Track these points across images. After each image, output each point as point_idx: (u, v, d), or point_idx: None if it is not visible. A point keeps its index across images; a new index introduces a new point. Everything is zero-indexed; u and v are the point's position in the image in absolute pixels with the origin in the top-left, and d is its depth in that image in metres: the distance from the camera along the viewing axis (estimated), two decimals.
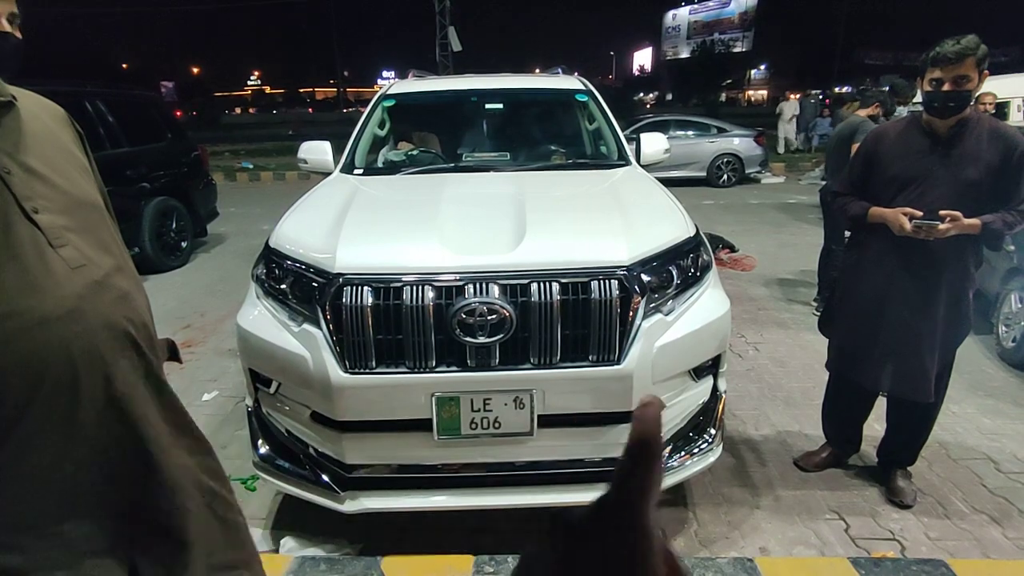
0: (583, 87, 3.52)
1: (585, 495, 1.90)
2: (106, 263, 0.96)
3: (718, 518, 2.25)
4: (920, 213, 1.99)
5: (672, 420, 1.99)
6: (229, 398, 3.23)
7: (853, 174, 2.26)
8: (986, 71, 1.95)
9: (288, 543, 2.10)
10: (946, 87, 1.94)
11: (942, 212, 1.94)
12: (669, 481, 1.97)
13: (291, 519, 2.24)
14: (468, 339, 1.75)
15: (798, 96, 16.40)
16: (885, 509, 2.29)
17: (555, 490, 1.91)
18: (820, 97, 16.90)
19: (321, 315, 1.81)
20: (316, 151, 3.05)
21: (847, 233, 2.73)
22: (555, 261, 1.82)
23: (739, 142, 10.77)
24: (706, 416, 2.08)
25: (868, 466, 2.54)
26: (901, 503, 2.29)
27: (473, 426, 1.79)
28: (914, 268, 2.10)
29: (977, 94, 1.99)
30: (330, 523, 2.16)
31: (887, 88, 4.33)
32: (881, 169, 2.15)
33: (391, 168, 3.13)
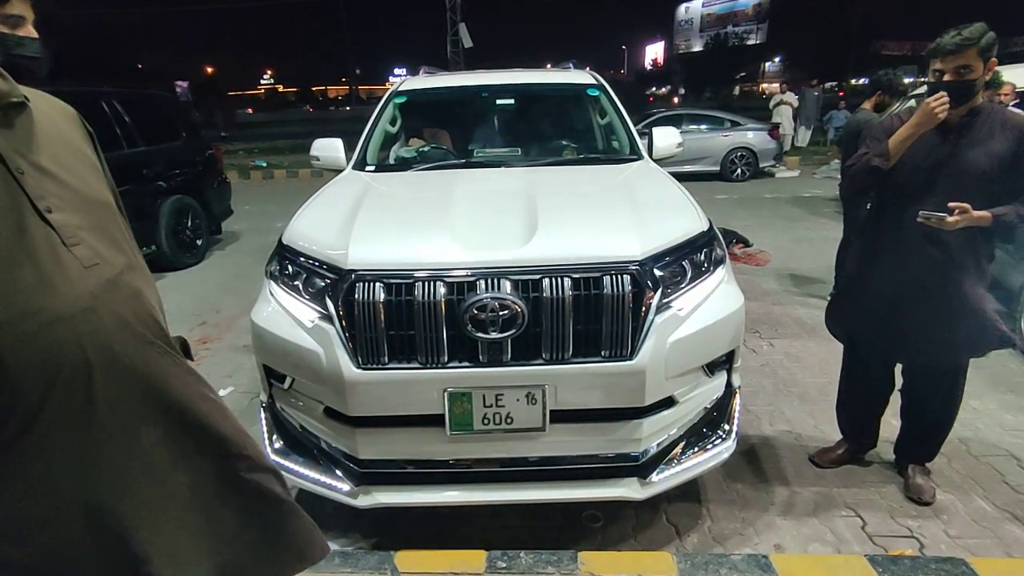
0: (594, 81, 3.50)
1: (598, 490, 1.90)
2: (119, 261, 0.97)
3: (732, 515, 2.23)
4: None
5: (686, 415, 1.97)
6: (244, 393, 3.27)
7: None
8: (994, 59, 1.93)
9: None
10: (947, 77, 1.93)
11: (951, 204, 1.91)
12: (683, 477, 1.96)
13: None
14: (480, 335, 1.74)
15: (802, 87, 14.36)
16: (903, 506, 2.26)
17: (568, 485, 1.91)
18: (836, 89, 15.96)
19: (334, 311, 1.82)
20: (328, 148, 3.07)
21: None
22: (567, 256, 1.81)
23: (753, 136, 10.64)
24: (720, 412, 2.07)
25: (885, 463, 2.50)
26: (920, 500, 2.25)
27: (485, 421, 1.80)
28: (923, 263, 2.06)
29: (986, 80, 1.96)
30: (344, 517, 2.18)
31: (883, 73, 4.26)
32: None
33: (402, 164, 3.13)
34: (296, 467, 1.99)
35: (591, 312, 1.78)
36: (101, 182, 1.06)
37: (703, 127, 10.90)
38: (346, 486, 1.90)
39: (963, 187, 1.95)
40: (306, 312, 1.91)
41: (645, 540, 2.12)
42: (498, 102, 3.58)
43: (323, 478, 1.95)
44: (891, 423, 2.48)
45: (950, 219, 1.90)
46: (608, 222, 2.04)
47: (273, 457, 2.03)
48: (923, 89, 2.91)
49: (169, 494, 1.01)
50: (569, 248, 1.85)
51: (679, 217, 2.12)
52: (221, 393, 3.25)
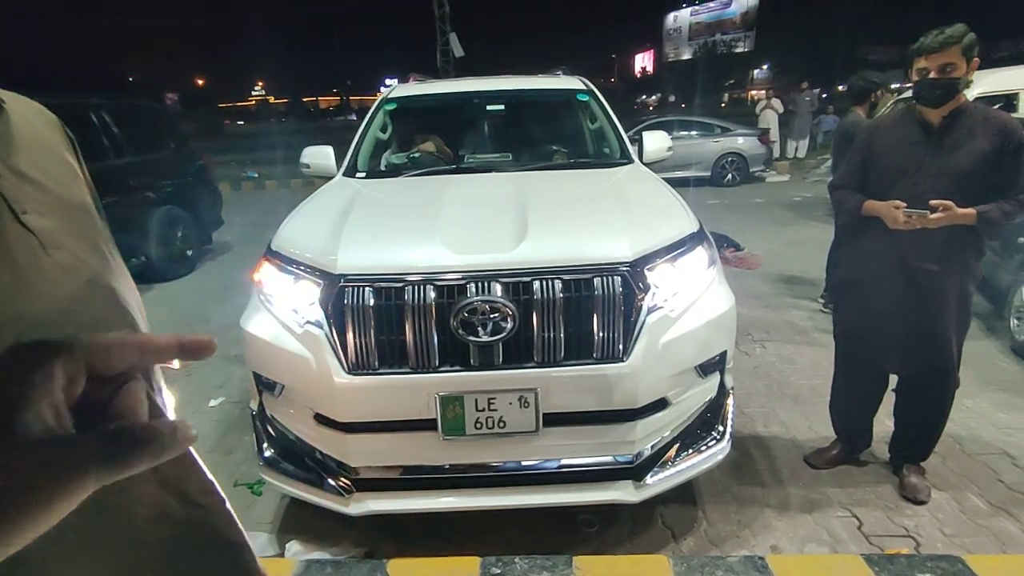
0: (584, 87, 3.52)
1: (592, 494, 1.88)
2: (97, 264, 0.97)
3: (728, 516, 2.22)
4: (904, 204, 1.99)
5: (679, 417, 1.96)
6: (235, 403, 3.22)
7: (852, 167, 2.26)
8: (976, 59, 1.95)
9: (294, 547, 2.09)
10: (932, 75, 1.96)
11: (933, 202, 1.94)
12: (678, 479, 1.94)
13: (297, 523, 2.23)
14: (471, 338, 1.73)
15: (792, 94, 13.35)
16: (899, 505, 2.25)
17: (562, 489, 1.89)
18: (822, 94, 15.46)
19: (323, 317, 1.80)
20: (318, 156, 3.06)
21: None
22: (557, 258, 1.81)
23: (743, 141, 10.72)
24: (714, 413, 2.06)
25: (880, 462, 2.50)
26: (915, 499, 2.25)
27: (478, 426, 1.78)
28: (912, 261, 2.08)
29: (968, 81, 1.99)
30: (336, 526, 2.15)
31: (855, 78, 4.35)
32: (876, 161, 2.15)
33: (393, 171, 3.13)
34: (287, 475, 1.96)
35: (582, 314, 1.77)
36: (81, 187, 1.05)
37: (693, 133, 10.97)
38: (337, 494, 1.88)
39: (946, 187, 1.98)
40: (295, 318, 1.89)
41: (641, 544, 2.10)
42: (488, 108, 3.58)
43: (314, 486, 1.92)
44: (885, 423, 2.48)
45: (932, 216, 1.93)
46: (598, 224, 2.04)
47: (264, 466, 2.01)
48: (908, 93, 2.97)
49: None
50: (560, 250, 1.84)
51: (669, 218, 2.12)
52: (212, 404, 3.22)
